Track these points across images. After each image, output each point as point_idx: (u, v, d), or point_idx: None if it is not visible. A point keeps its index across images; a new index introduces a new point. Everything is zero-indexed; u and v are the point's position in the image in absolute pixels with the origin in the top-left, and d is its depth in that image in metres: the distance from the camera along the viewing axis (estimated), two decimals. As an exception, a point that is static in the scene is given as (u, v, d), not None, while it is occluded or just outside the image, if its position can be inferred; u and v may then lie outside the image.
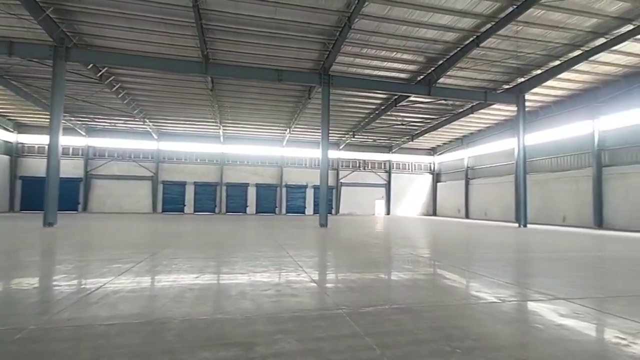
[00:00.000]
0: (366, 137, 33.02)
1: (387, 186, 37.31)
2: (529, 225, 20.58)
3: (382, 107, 24.55)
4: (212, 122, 27.94)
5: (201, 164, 32.84)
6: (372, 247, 9.25)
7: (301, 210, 34.45)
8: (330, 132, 18.43)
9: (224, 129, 30.27)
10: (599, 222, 20.23)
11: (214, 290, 4.48)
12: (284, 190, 34.25)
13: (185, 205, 31.98)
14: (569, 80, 19.78)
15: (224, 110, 25.18)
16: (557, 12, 13.62)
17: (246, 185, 33.41)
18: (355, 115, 26.71)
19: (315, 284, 4.92)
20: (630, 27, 14.21)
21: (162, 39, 15.43)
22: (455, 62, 17.03)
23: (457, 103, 23.51)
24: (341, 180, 36.00)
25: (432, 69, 18.55)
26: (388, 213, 36.88)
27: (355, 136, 31.78)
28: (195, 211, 31.84)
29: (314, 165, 34.22)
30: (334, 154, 34.60)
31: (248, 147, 33.60)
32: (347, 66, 18.25)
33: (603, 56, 16.57)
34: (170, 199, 31.69)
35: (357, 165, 36.73)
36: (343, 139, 33.43)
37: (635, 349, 2.81)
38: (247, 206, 33.11)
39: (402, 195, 37.81)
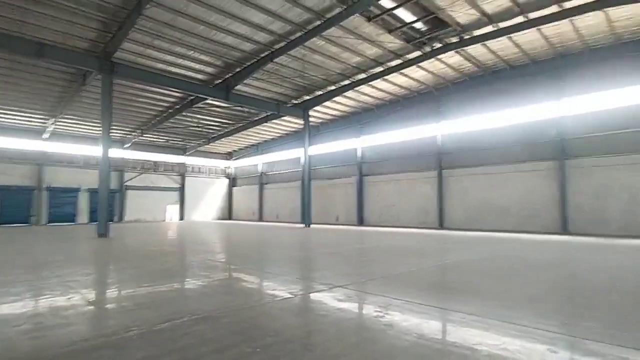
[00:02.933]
0: (158, 136, 30.24)
1: (181, 190, 35.26)
2: (312, 225, 23.71)
3: (177, 107, 23.06)
4: None
5: None
6: (164, 256, 8.39)
7: (70, 218, 28.00)
8: (114, 127, 15.80)
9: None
10: (361, 220, 25.50)
11: None
12: (44, 194, 27.00)
13: None
14: (341, 103, 24.17)
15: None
16: (334, 46, 16.38)
17: (-21, 188, 24.44)
18: (146, 112, 24.01)
19: (93, 307, 3.98)
20: (381, 68, 18.64)
21: None
22: (252, 72, 17.86)
23: (253, 111, 24.74)
24: (127, 183, 31.51)
25: (231, 74, 18.82)
26: (182, 218, 34.86)
27: (145, 135, 28.58)
28: None
29: (90, 165, 28.55)
30: (118, 152, 29.95)
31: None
32: (136, 56, 16.16)
33: (363, 88, 21.08)
34: None
35: (147, 166, 33.09)
36: (129, 136, 29.39)
37: (388, 318, 3.56)
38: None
39: (197, 200, 36.55)
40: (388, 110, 24.24)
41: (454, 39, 15.86)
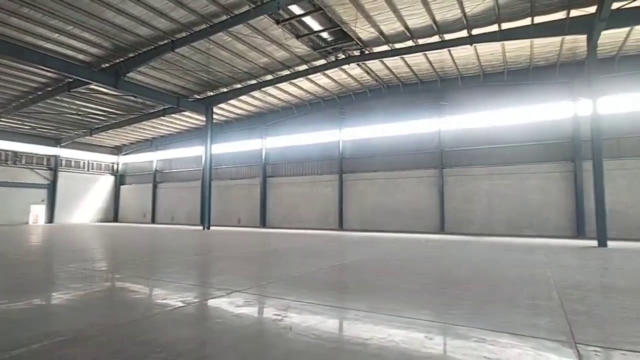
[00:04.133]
0: (21, 122, 25.47)
1: (52, 187, 30.25)
2: (212, 228, 22.63)
3: (50, 89, 19.75)
4: None
5: None
6: (23, 267, 7.03)
7: None
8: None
9: None
10: (264, 222, 25.26)
11: None
12: None
13: None
14: (247, 102, 23.68)
15: None
16: (241, 44, 15.98)
17: None
18: (5, 91, 20.01)
19: None
20: (288, 72, 18.82)
21: None
22: (149, 59, 16.33)
23: (149, 102, 22.62)
24: (-26, 178, 25.76)
25: (122, 59, 16.90)
26: (51, 221, 29.90)
27: (4, 119, 23.78)
28: None
29: None
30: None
31: None
32: (-4, 22, 13.38)
33: (270, 89, 21.02)
34: None
35: (5, 158, 27.56)
36: (-19, 120, 24.14)
37: (286, 321, 3.57)
38: None
39: (74, 199, 31.79)
40: (294, 113, 24.64)
41: (356, 52, 16.93)
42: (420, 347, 2.85)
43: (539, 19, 13.60)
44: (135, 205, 33.89)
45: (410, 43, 15.61)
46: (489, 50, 16.42)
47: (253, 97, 22.39)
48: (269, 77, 19.40)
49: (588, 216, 15.82)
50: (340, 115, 23.09)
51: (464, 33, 14.61)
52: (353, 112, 22.77)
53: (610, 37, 14.47)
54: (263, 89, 20.49)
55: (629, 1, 11.61)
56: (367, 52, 16.64)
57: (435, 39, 15.10)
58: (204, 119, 22.86)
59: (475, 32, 14.51)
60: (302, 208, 24.01)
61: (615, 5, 11.42)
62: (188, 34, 14.87)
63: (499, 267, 7.17)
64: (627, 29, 13.65)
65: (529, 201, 17.68)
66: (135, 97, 20.43)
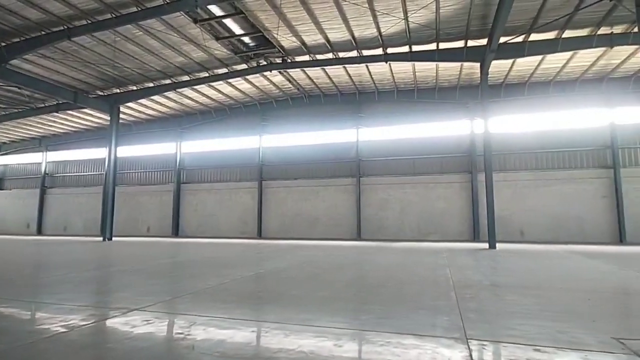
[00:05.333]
0: None
1: None
2: (114, 238, 20.39)
3: None
4: None
5: None
6: None
7: None
8: None
9: None
10: (177, 231, 23.58)
11: None
12: None
13: None
14: (161, 103, 22.06)
15: None
16: (154, 40, 14.87)
17: None
18: None
19: None
20: (206, 74, 18.01)
21: None
22: (38, 46, 14.26)
23: (37, 95, 19.70)
24: None
25: (4, 44, 14.48)
26: None
27: None
28: None
29: None
30: None
31: None
32: None
33: (187, 91, 19.89)
34: None
35: None
36: None
37: (190, 339, 3.27)
38: None
39: None
40: (213, 117, 23.69)
41: (278, 60, 16.96)
42: (329, 356, 2.82)
43: (442, 45, 15.17)
44: (16, 214, 29.05)
45: (330, 55, 16.15)
46: (402, 69, 17.80)
47: (168, 97, 20.95)
48: (186, 77, 18.36)
49: (482, 222, 17.94)
50: (261, 121, 22.83)
51: (379, 51, 15.61)
52: (274, 119, 22.69)
53: (498, 67, 16.76)
54: (179, 90, 19.31)
55: (513, 37, 13.60)
56: (289, 60, 16.77)
57: (354, 53, 15.86)
58: (109, 118, 20.66)
59: (390, 50, 15.60)
60: (219, 216, 23.02)
61: (502, 40, 13.29)
62: (89, 22, 13.34)
63: (408, 271, 7.65)
64: (510, 60, 15.95)
65: (434, 209, 19.42)
66: (20, 88, 17.62)
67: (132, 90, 19.77)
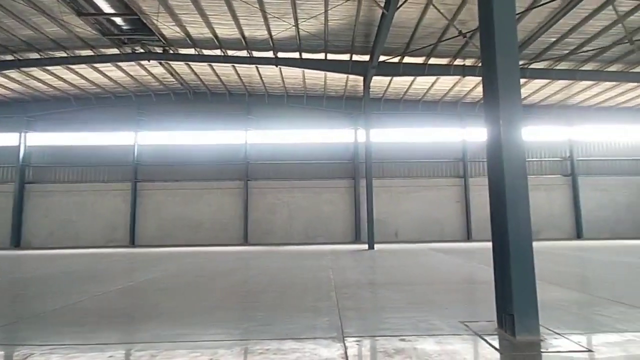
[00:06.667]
0: None
1: None
2: None
3: None
4: None
5: None
6: None
7: None
8: None
9: None
10: (18, 242, 19.31)
11: None
12: None
13: None
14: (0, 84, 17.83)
15: None
16: (-9, 2, 11.91)
17: None
18: None
19: None
20: (64, 54, 15.25)
21: None
22: None
23: None
24: None
25: None
26: None
27: None
28: None
29: None
30: None
31: None
32: None
33: (36, 72, 16.55)
34: None
35: None
36: None
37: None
38: None
39: None
40: (73, 106, 20.27)
41: (159, 50, 15.46)
42: (202, 375, 2.53)
43: (331, 57, 15.96)
44: None
45: (219, 52, 15.42)
46: (293, 74, 18.09)
47: (9, 77, 17.06)
48: (35, 55, 15.23)
49: (363, 225, 19.37)
50: (137, 116, 20.43)
51: (270, 54, 15.56)
52: (154, 114, 20.58)
53: (379, 83, 18.44)
54: (25, 69, 15.91)
55: (391, 57, 15.13)
56: (171, 51, 15.41)
57: (244, 53, 15.46)
58: None
59: (280, 55, 15.68)
60: (79, 222, 19.69)
61: (382, 58, 14.67)
62: None
63: (292, 274, 7.67)
64: (389, 78, 17.72)
65: (322, 212, 20.22)
66: None
67: (-45, 63, 15.42)
